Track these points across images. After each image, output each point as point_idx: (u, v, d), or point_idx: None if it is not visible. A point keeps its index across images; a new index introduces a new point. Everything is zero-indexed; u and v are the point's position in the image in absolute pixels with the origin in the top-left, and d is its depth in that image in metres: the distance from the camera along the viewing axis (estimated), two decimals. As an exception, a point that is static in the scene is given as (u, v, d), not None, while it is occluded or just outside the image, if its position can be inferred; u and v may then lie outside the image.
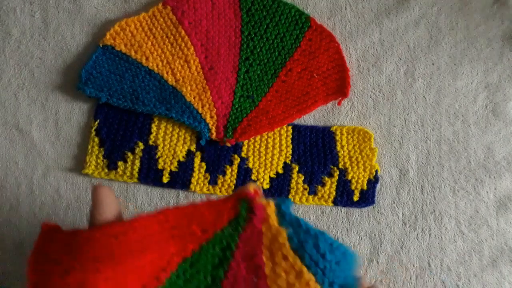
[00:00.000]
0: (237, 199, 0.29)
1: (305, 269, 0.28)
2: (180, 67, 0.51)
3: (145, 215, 0.27)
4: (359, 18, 0.54)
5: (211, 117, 0.50)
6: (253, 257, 0.29)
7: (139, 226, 0.27)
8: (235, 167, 0.49)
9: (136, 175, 0.49)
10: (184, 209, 0.29)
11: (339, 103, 0.52)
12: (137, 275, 0.27)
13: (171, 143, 0.50)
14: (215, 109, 0.50)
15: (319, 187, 0.49)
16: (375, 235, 0.49)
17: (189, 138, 0.50)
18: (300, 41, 0.52)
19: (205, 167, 0.49)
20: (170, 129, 0.50)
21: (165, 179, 0.49)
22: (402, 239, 0.49)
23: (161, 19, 0.52)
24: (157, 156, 0.49)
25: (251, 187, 0.29)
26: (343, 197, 0.49)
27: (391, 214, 0.50)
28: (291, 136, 0.51)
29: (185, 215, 0.29)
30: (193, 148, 0.50)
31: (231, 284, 0.29)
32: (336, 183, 0.49)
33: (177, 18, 0.52)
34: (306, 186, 0.49)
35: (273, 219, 0.29)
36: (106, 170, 0.49)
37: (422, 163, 0.51)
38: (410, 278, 0.48)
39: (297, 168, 0.50)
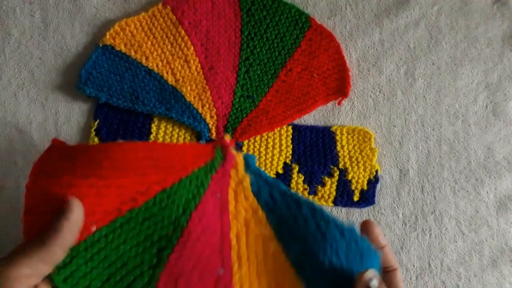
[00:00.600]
0: (214, 146, 0.36)
1: (260, 208, 0.35)
2: (180, 67, 0.51)
3: (135, 142, 0.33)
4: (359, 18, 0.54)
5: (211, 117, 0.50)
6: (221, 195, 0.35)
7: (127, 149, 0.31)
8: (235, 167, 0.50)
9: (136, 175, 0.49)
10: (169, 145, 0.35)
11: (339, 103, 0.52)
12: (118, 191, 0.31)
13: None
14: (215, 109, 0.50)
15: (319, 187, 0.49)
16: (375, 235, 0.49)
17: (189, 138, 0.50)
18: (300, 41, 0.52)
19: (205, 167, 0.49)
20: (170, 129, 0.50)
21: (165, 179, 0.49)
22: (402, 239, 0.49)
23: (161, 19, 0.52)
24: (157, 156, 0.49)
25: (227, 138, 0.38)
26: (343, 197, 0.49)
27: (391, 214, 0.50)
28: (291, 136, 0.51)
29: (169, 150, 0.34)
30: (193, 148, 0.50)
31: (199, 215, 0.34)
32: (336, 183, 0.49)
33: (177, 18, 0.52)
34: (306, 186, 0.49)
35: (241, 167, 0.37)
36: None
37: (423, 163, 0.51)
38: (410, 279, 0.48)
39: (297, 168, 0.50)
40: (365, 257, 0.31)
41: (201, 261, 0.33)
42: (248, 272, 0.33)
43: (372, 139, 0.51)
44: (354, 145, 0.50)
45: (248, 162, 0.37)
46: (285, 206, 0.35)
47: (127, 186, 0.32)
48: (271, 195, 0.36)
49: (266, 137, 0.50)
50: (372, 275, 0.30)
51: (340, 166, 0.50)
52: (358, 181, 0.49)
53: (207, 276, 0.33)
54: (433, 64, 0.53)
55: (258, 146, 0.50)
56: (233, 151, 0.37)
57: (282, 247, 0.34)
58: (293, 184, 0.49)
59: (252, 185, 0.36)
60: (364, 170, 0.50)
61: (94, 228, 0.31)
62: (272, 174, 0.49)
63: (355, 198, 0.49)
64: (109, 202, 0.31)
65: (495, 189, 0.50)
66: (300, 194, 0.49)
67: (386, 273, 0.34)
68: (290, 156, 0.50)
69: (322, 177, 0.50)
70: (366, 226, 0.34)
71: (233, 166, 0.37)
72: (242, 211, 0.35)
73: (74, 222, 0.28)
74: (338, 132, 0.51)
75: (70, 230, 0.28)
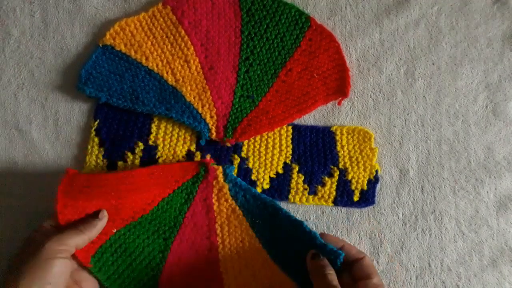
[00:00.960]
0: (198, 164, 0.48)
1: (237, 207, 0.47)
2: (180, 67, 0.51)
3: (139, 169, 0.46)
4: (359, 18, 0.54)
5: (211, 117, 0.50)
6: (206, 199, 0.48)
7: (135, 175, 0.45)
8: (235, 167, 0.49)
9: (136, 175, 0.49)
10: (164, 166, 0.47)
11: (339, 103, 0.52)
12: (131, 205, 0.45)
13: (171, 143, 0.50)
14: (215, 109, 0.50)
15: (319, 187, 0.49)
16: (375, 235, 0.49)
17: (189, 138, 0.50)
18: (300, 41, 0.52)
19: (205, 167, 0.49)
20: (170, 129, 0.50)
21: (165, 179, 0.49)
22: (402, 239, 0.49)
23: (161, 19, 0.52)
24: (157, 156, 0.49)
25: (208, 157, 0.49)
26: (343, 197, 0.49)
27: (391, 214, 0.50)
28: (291, 136, 0.51)
29: (165, 170, 0.46)
30: (193, 148, 0.50)
31: (191, 215, 0.47)
32: (336, 183, 0.49)
33: (177, 18, 0.52)
34: (306, 186, 0.49)
35: (221, 178, 0.48)
36: (106, 170, 0.49)
37: (422, 163, 0.51)
38: (410, 279, 0.48)
39: (297, 168, 0.50)
40: (317, 241, 0.43)
41: (194, 244, 0.47)
42: (229, 251, 0.47)
43: (372, 139, 0.51)
44: (354, 145, 0.50)
45: (227, 173, 0.48)
46: (256, 205, 0.47)
47: (138, 201, 0.45)
48: (245, 197, 0.47)
49: (266, 137, 0.51)
50: (315, 252, 0.42)
51: (340, 166, 0.50)
52: (358, 181, 0.49)
53: (200, 254, 0.47)
54: (433, 64, 0.53)
55: (258, 146, 0.50)
56: (214, 166, 0.48)
57: (255, 234, 0.47)
58: (293, 184, 0.49)
59: (230, 191, 0.47)
60: (364, 170, 0.50)
61: (114, 230, 0.44)
62: (272, 174, 0.49)
63: (355, 198, 0.49)
64: (125, 213, 0.45)
65: (495, 189, 0.50)
66: (300, 194, 0.49)
67: (354, 264, 0.42)
68: (290, 156, 0.50)
69: (322, 177, 0.50)
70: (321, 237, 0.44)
71: (214, 178, 0.47)
72: (224, 210, 0.47)
73: (103, 224, 0.43)
74: (338, 132, 0.51)
75: (99, 229, 0.42)
